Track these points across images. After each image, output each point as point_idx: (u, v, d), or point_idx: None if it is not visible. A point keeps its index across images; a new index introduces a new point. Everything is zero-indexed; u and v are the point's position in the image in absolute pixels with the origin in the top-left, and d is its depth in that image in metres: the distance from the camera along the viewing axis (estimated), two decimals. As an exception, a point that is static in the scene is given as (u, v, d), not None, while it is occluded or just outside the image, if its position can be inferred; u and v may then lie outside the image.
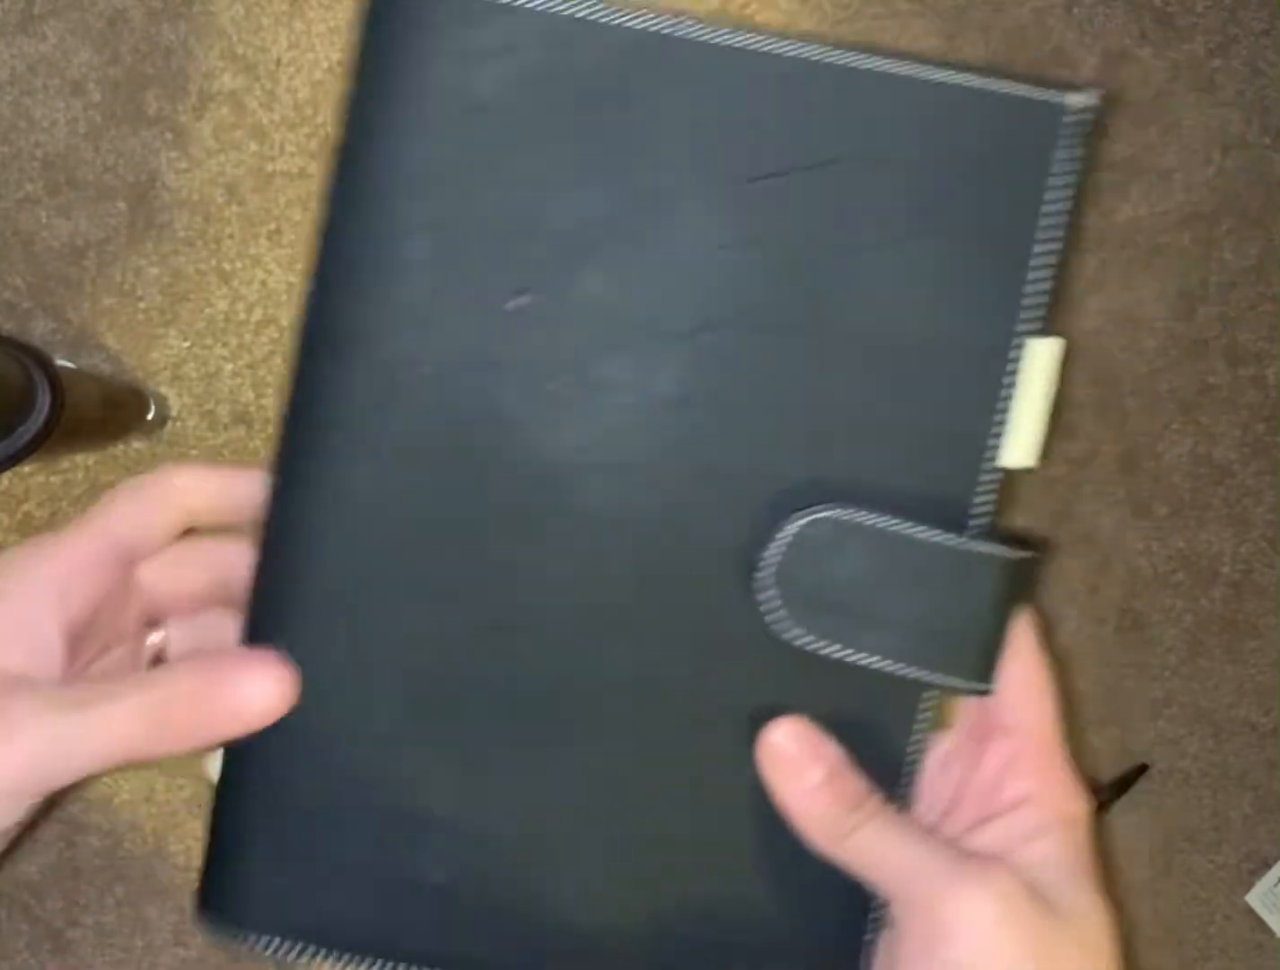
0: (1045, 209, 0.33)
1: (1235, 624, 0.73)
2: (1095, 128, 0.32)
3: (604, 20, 0.32)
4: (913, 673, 0.32)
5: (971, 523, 0.33)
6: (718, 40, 0.32)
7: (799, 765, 0.31)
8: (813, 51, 0.32)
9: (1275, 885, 0.73)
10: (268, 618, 0.32)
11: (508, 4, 0.32)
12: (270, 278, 0.69)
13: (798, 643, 0.32)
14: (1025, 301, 0.33)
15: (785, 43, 0.32)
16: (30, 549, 0.32)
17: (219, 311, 0.69)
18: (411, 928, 0.34)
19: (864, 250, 0.33)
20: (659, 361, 0.32)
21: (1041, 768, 0.33)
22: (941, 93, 0.32)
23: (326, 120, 0.69)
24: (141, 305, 0.69)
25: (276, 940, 0.33)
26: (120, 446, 0.68)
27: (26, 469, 0.68)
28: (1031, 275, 0.33)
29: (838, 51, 0.32)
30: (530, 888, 0.34)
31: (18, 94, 0.67)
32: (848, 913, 0.33)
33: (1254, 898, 0.74)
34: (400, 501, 0.33)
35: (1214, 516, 0.73)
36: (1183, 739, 0.73)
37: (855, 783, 0.31)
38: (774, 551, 0.32)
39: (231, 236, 0.69)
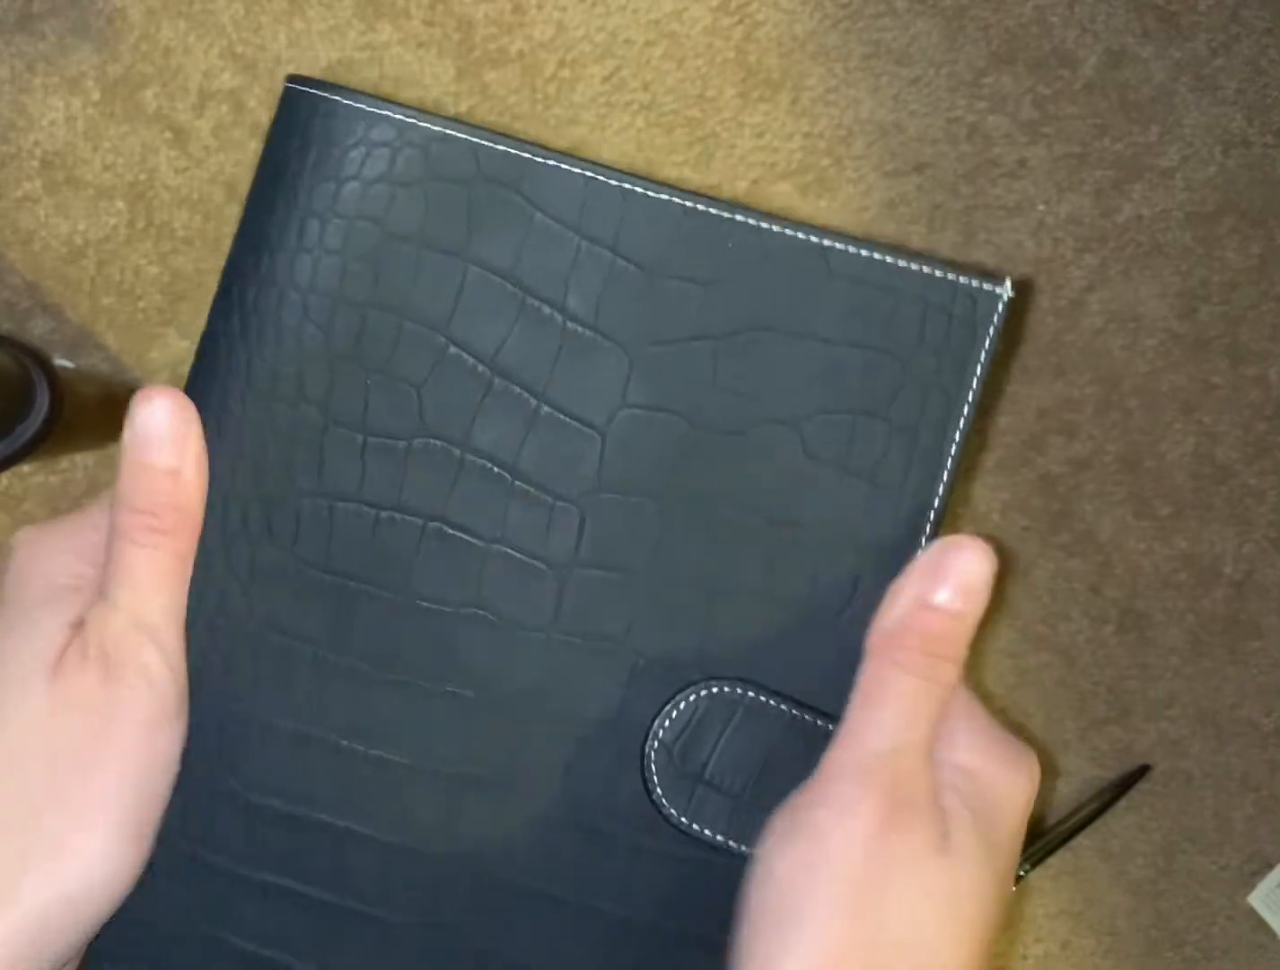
0: (969, 401, 0.31)
1: (1238, 624, 0.73)
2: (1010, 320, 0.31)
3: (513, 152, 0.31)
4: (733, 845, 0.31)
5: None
6: (640, 189, 0.31)
7: (973, 598, 0.31)
8: (740, 213, 0.31)
9: (1277, 886, 0.73)
10: None
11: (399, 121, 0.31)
12: (270, 277, 0.69)
13: (689, 831, 0.31)
14: (937, 503, 0.32)
15: (718, 203, 0.31)
16: (34, 532, 0.34)
17: (218, 311, 0.69)
18: None
19: (773, 424, 0.31)
20: (550, 520, 0.31)
21: (980, 734, 0.32)
22: (869, 269, 0.31)
23: (326, 119, 0.69)
24: (141, 304, 0.68)
25: None
26: (119, 446, 0.68)
27: (26, 469, 0.68)
28: (946, 473, 0.32)
29: (763, 215, 0.31)
30: None
31: (16, 92, 0.67)
32: None
33: (1256, 899, 0.73)
34: (271, 625, 0.32)
35: (1216, 516, 0.73)
36: (1185, 740, 0.73)
37: (965, 643, 0.31)
38: (662, 724, 0.31)
39: (231, 236, 0.68)
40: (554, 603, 0.32)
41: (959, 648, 0.30)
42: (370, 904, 0.32)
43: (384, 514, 0.31)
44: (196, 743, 0.31)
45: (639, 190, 0.31)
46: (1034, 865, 0.71)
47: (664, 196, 0.31)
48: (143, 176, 0.68)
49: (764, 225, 0.31)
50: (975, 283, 0.31)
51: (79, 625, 0.31)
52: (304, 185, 0.32)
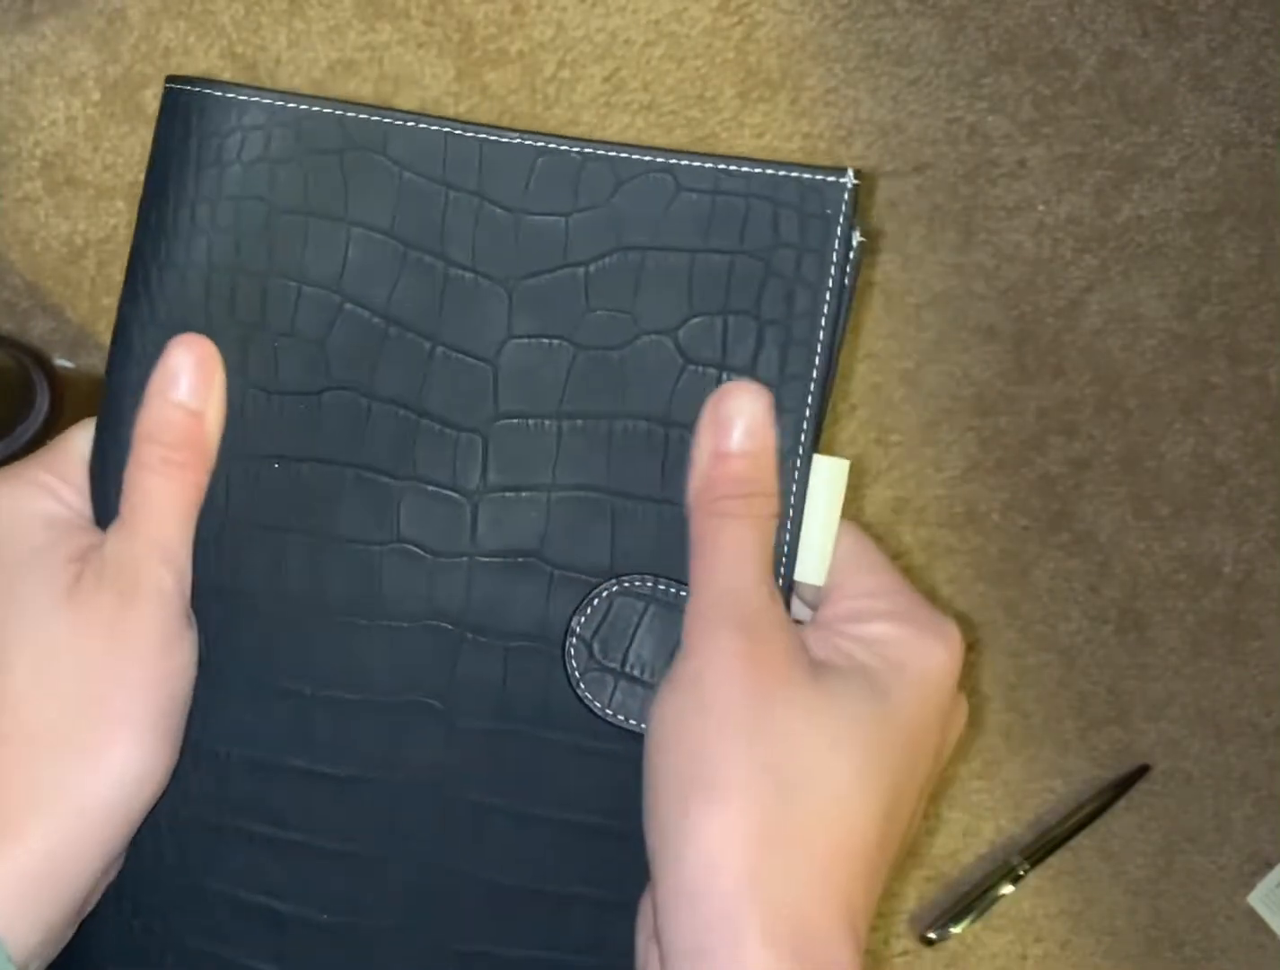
0: (830, 289, 0.33)
1: (1237, 624, 0.73)
2: (857, 211, 0.33)
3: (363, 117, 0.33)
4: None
5: None
6: (495, 137, 0.33)
7: (760, 423, 0.32)
8: (589, 146, 0.33)
9: (1277, 886, 0.73)
10: None
11: (266, 102, 0.33)
12: (270, 277, 0.69)
13: (612, 720, 0.32)
14: (810, 410, 0.33)
15: (562, 139, 0.33)
16: (15, 484, 0.36)
17: (218, 311, 0.69)
18: None
19: (650, 336, 0.33)
20: (456, 451, 0.33)
21: (919, 614, 0.33)
22: (717, 179, 0.33)
23: (326, 119, 0.69)
24: (141, 305, 0.69)
25: None
26: (119, 446, 0.68)
27: (25, 469, 0.68)
28: (819, 358, 0.33)
29: (611, 145, 0.33)
30: None
31: (16, 92, 0.67)
32: None
33: (1255, 899, 0.73)
34: (212, 587, 0.33)
35: (1216, 516, 0.73)
36: (1184, 740, 0.73)
37: (770, 475, 0.32)
38: (578, 621, 0.33)
39: (231, 236, 0.69)
40: (469, 528, 0.33)
41: (764, 482, 0.32)
42: (338, 840, 0.33)
43: (304, 465, 0.33)
44: None
45: (494, 138, 0.33)
46: (1034, 865, 0.71)
47: (518, 141, 0.33)
48: (143, 177, 0.68)
49: (613, 154, 0.33)
50: (819, 176, 0.33)
51: (84, 554, 0.33)
52: (190, 174, 0.34)
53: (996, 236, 0.72)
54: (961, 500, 0.72)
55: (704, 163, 0.33)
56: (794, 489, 0.33)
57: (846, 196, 0.33)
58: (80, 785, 0.30)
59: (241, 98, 0.33)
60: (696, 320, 0.33)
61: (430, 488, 0.33)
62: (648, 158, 0.33)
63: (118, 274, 0.70)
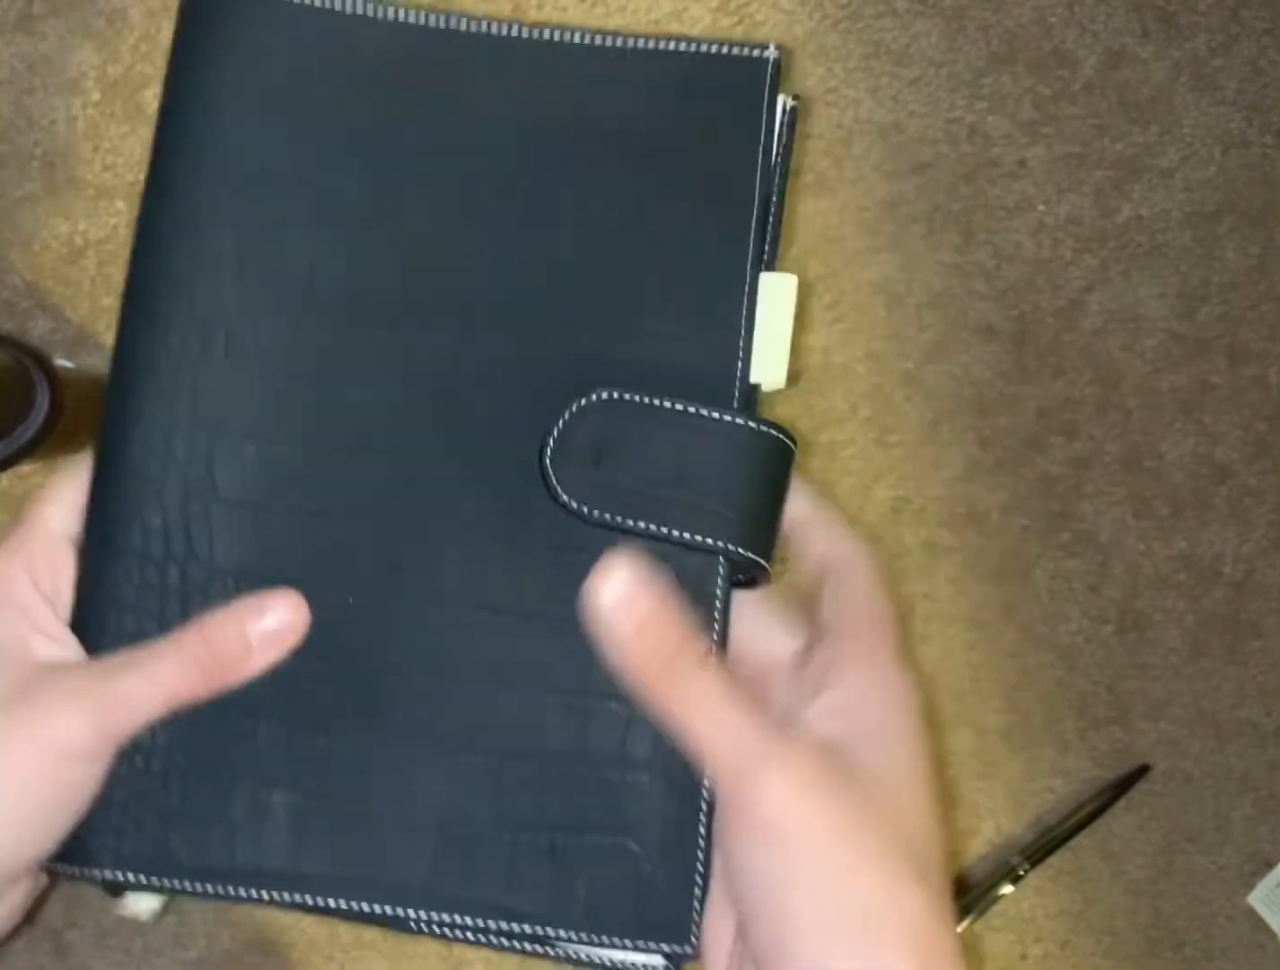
0: (759, 150, 0.37)
1: (1237, 624, 0.73)
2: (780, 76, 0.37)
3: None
4: (691, 539, 0.34)
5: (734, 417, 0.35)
6: (440, 24, 0.36)
7: (630, 600, 0.33)
8: (515, 29, 0.36)
9: (1277, 886, 0.73)
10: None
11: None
12: (270, 277, 0.69)
13: (592, 518, 0.34)
14: (753, 233, 0.36)
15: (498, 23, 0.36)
16: None
17: (219, 311, 0.69)
18: (250, 849, 0.34)
19: (600, 190, 0.36)
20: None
21: (859, 647, 0.35)
22: (653, 61, 0.37)
23: (326, 119, 0.69)
24: (141, 305, 0.69)
25: (119, 873, 0.34)
26: (120, 446, 0.68)
27: (26, 469, 0.68)
28: (757, 211, 0.37)
29: (539, 29, 0.36)
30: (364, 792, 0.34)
31: (17, 93, 0.67)
32: (685, 791, 0.34)
33: (1255, 899, 0.73)
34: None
35: (1216, 516, 0.73)
36: (1184, 739, 0.73)
37: (681, 624, 0.33)
38: (559, 428, 0.34)
39: (231, 236, 0.69)
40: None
41: (669, 638, 0.33)
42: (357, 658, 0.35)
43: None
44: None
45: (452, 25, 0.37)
46: (1034, 865, 0.71)
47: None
48: (143, 177, 0.68)
49: (545, 36, 0.37)
50: (743, 51, 0.37)
51: (32, 651, 0.33)
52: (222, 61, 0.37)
53: (996, 236, 0.72)
54: (961, 500, 0.72)
55: (634, 43, 0.37)
56: (745, 305, 0.36)
57: (770, 70, 0.37)
58: None
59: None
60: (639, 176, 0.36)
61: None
62: (578, 38, 0.36)
63: (118, 274, 0.70)
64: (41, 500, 0.36)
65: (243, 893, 0.34)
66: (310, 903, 0.34)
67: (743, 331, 0.36)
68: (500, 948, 0.34)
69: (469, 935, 0.34)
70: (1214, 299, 0.73)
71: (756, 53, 0.37)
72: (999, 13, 0.71)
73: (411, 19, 0.36)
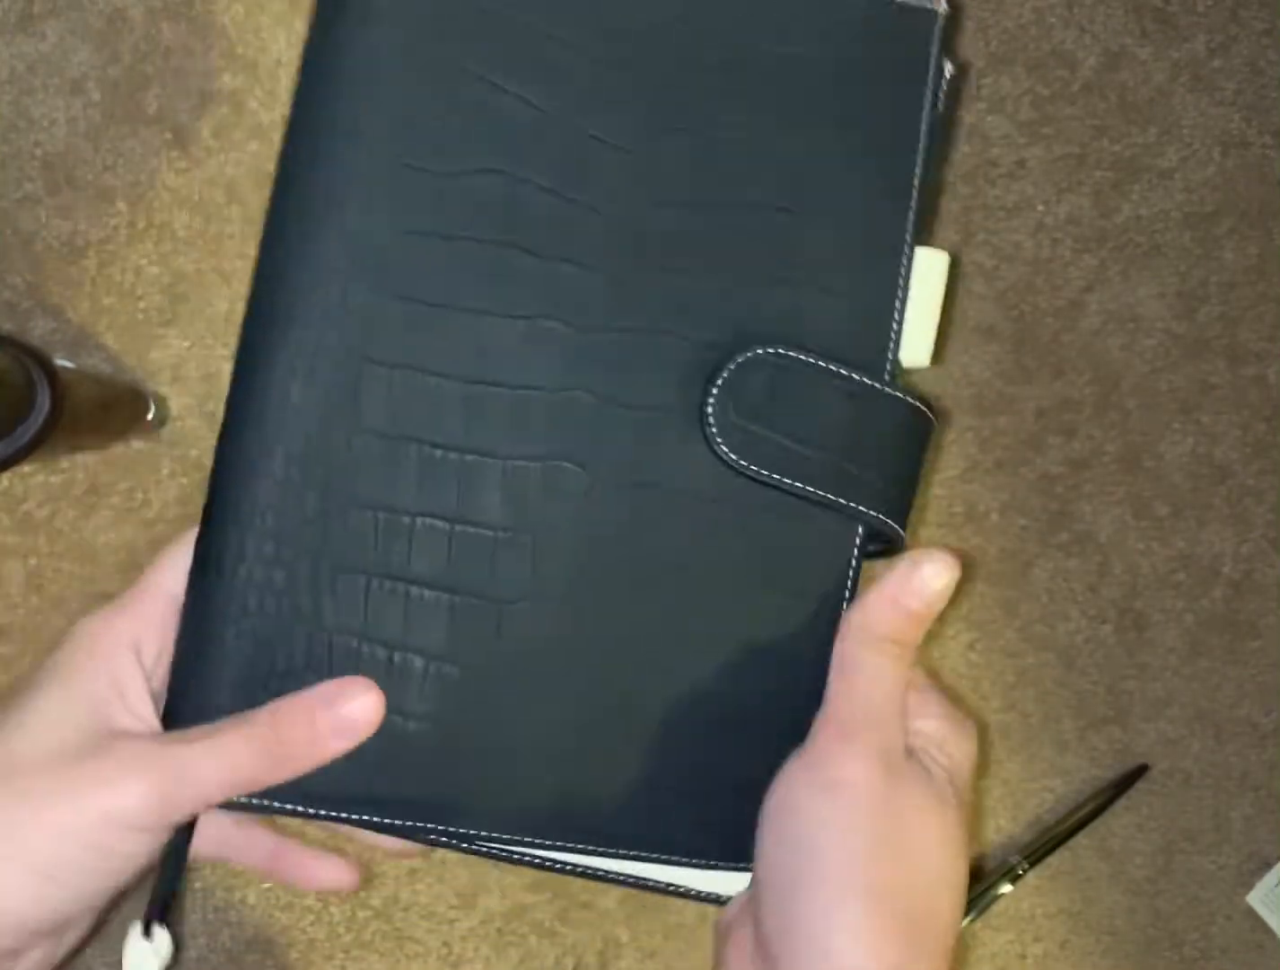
0: (927, 97, 0.36)
1: (1236, 624, 0.73)
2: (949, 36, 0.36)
3: None
4: (836, 501, 0.35)
5: (884, 375, 0.36)
6: None
7: (922, 583, 0.36)
8: None
9: (1276, 886, 0.73)
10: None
11: None
12: (270, 277, 0.69)
13: (746, 470, 0.35)
14: (914, 205, 0.36)
15: None
16: (99, 621, 0.34)
17: (219, 311, 0.69)
18: (381, 771, 0.34)
19: (771, 135, 0.35)
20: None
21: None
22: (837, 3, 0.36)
23: (326, 120, 0.69)
24: (141, 305, 0.69)
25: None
26: (120, 446, 0.68)
27: (26, 469, 0.68)
28: (918, 178, 0.36)
29: None
30: (506, 727, 0.35)
31: (17, 93, 0.67)
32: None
33: (1255, 898, 0.74)
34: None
35: (1215, 516, 0.73)
36: (1183, 739, 0.73)
37: (921, 634, 0.36)
38: (725, 378, 0.34)
39: (231, 236, 0.69)
40: (604, 302, 0.35)
41: (918, 636, 0.36)
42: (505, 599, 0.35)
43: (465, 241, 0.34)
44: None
45: None
46: (1033, 864, 0.71)
47: None
48: (143, 177, 0.68)
49: None
50: (926, 2, 0.36)
51: (119, 712, 0.33)
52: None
53: (995, 236, 0.72)
54: (961, 500, 0.72)
55: None
56: (901, 276, 0.36)
57: (936, 25, 0.36)
58: None
59: None
60: (803, 124, 0.36)
61: (566, 266, 0.34)
62: None
63: (118, 274, 0.70)
64: (159, 561, 0.35)
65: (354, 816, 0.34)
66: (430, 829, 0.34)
67: (898, 303, 0.36)
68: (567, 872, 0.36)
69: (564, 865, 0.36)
70: (1213, 299, 0.73)
71: (925, 4, 0.36)
72: (998, 13, 0.71)
73: None
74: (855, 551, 0.36)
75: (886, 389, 0.35)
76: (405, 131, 0.33)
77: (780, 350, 0.34)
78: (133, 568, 0.69)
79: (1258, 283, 0.73)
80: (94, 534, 0.68)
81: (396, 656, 0.34)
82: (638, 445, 0.35)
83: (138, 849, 0.32)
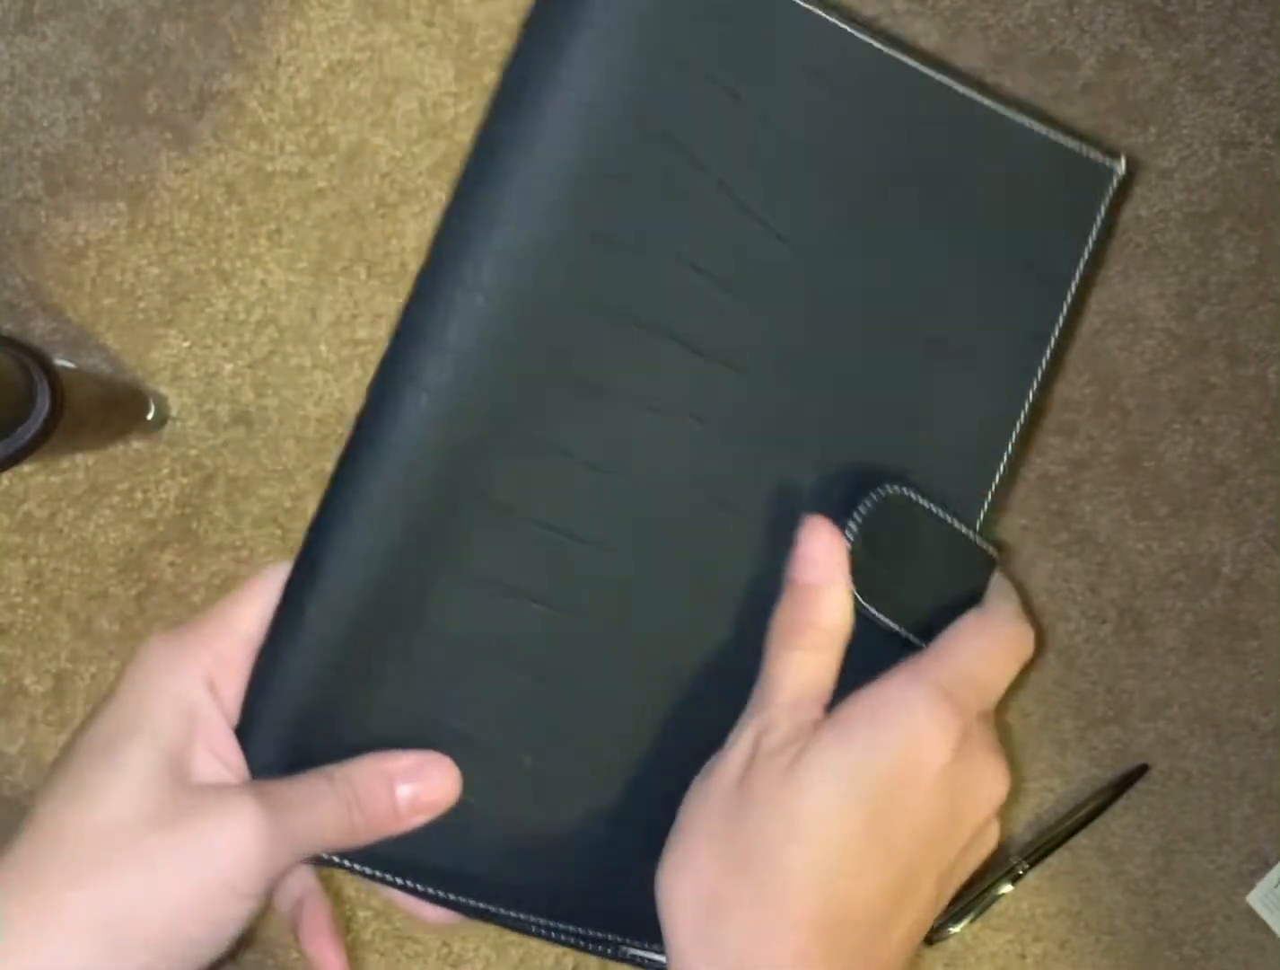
0: (1086, 254, 0.35)
1: (1236, 624, 0.73)
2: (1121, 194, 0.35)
3: None
4: (910, 638, 0.34)
5: (977, 524, 0.35)
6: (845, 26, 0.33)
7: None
8: (935, 71, 0.33)
9: (1276, 886, 0.73)
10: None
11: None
12: (270, 277, 0.69)
13: (861, 609, 0.34)
14: (1049, 355, 0.35)
15: (919, 60, 0.33)
16: (166, 659, 0.32)
17: (219, 311, 0.69)
18: (429, 844, 0.34)
19: (931, 257, 0.34)
20: (737, 325, 0.33)
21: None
22: (1024, 135, 0.34)
23: (326, 120, 0.69)
24: (141, 305, 0.69)
25: None
26: (120, 446, 0.68)
27: (27, 469, 0.68)
28: (1059, 328, 0.35)
29: (954, 77, 0.33)
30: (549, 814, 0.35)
31: (17, 93, 0.67)
32: None
33: (1254, 898, 0.74)
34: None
35: (1214, 516, 0.73)
36: (1183, 739, 0.73)
37: (827, 611, 0.34)
38: (862, 516, 0.34)
39: (231, 236, 0.69)
40: (741, 401, 0.34)
41: (822, 617, 0.34)
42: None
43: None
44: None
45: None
46: (1033, 864, 0.71)
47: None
48: (143, 177, 0.68)
49: (929, 73, 0.33)
50: (1093, 155, 0.35)
51: (195, 762, 0.31)
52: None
53: (995, 237, 0.72)
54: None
55: (991, 103, 0.34)
56: (1017, 428, 0.35)
57: (1112, 185, 0.35)
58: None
59: None
60: (977, 255, 0.35)
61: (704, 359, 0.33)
62: (947, 80, 0.33)
63: (118, 274, 0.70)
64: (236, 599, 0.33)
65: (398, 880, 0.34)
66: (465, 904, 0.34)
67: (1008, 452, 0.35)
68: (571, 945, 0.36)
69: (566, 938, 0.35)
70: (1213, 299, 0.73)
71: (1106, 161, 0.35)
72: (998, 13, 0.71)
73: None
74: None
75: (979, 542, 0.35)
76: (599, 192, 0.31)
77: (908, 494, 0.34)
78: (133, 567, 0.69)
79: (1257, 283, 0.73)
80: (94, 534, 0.69)
81: (475, 738, 0.34)
82: (737, 554, 0.34)
83: (242, 914, 0.32)
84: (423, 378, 0.31)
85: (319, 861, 0.33)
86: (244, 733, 0.32)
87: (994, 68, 0.72)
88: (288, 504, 0.69)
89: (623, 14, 0.30)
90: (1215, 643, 0.73)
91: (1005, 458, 0.35)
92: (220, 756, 0.32)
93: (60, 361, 0.66)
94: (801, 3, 0.32)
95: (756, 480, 0.34)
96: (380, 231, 0.69)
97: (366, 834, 0.32)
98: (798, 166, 0.33)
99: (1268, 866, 0.74)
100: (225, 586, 0.70)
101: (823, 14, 0.32)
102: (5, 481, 0.68)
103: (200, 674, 0.32)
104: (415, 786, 0.32)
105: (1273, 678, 0.73)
